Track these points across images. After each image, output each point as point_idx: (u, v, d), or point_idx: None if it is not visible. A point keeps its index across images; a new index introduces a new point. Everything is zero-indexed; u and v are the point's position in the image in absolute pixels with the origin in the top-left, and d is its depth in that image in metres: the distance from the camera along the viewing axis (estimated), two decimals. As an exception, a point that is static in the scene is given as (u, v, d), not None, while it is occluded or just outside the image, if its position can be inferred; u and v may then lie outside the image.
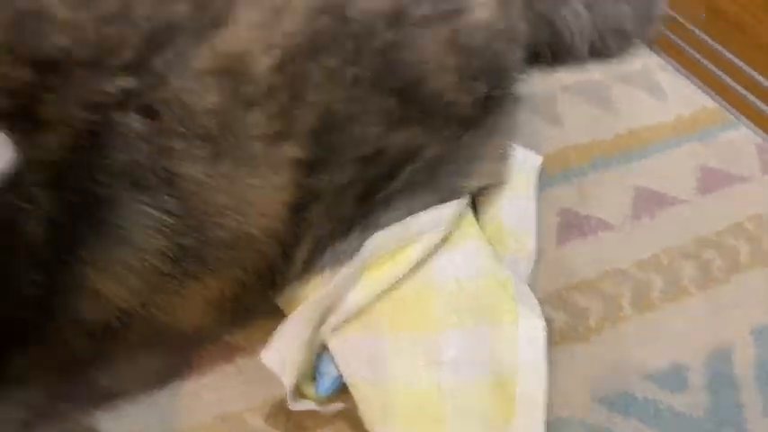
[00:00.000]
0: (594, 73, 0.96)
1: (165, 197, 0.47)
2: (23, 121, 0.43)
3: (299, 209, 0.52)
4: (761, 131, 0.89)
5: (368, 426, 0.54)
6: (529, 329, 0.54)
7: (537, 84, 0.90)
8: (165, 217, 0.47)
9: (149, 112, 0.46)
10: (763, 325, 0.68)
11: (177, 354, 0.59)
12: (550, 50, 0.93)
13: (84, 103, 0.45)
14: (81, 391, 0.57)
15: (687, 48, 0.99)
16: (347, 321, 0.55)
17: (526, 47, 0.76)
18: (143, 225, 0.47)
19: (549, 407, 0.55)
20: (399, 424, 0.53)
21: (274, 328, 0.55)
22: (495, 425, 0.52)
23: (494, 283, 0.57)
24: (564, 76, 0.94)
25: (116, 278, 0.47)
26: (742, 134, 0.89)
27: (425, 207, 0.57)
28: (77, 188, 0.45)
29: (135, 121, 0.46)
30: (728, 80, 0.95)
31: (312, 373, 0.55)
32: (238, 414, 0.57)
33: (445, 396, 0.53)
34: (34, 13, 0.45)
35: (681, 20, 1.01)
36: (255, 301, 0.57)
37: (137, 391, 0.57)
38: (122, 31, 0.46)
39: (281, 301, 0.60)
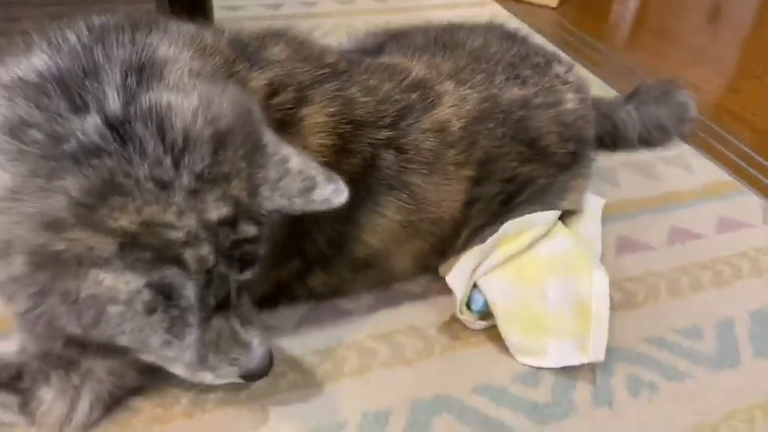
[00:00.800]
0: (643, 155, 1.36)
1: (403, 194, 0.88)
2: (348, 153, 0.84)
3: (468, 206, 0.93)
4: (763, 196, 1.27)
5: (501, 331, 0.91)
6: (598, 278, 0.92)
7: (602, 160, 1.31)
8: (402, 204, 0.88)
9: (399, 150, 0.87)
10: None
11: (388, 288, 0.99)
12: (611, 139, 1.34)
13: (369, 143, 0.86)
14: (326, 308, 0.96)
15: (710, 140, 1.40)
16: (489, 272, 0.94)
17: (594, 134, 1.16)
18: (392, 207, 0.87)
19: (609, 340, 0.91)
20: (520, 330, 0.90)
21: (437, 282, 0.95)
22: (579, 332, 0.89)
23: (576, 254, 0.95)
24: (621, 156, 1.35)
25: (375, 234, 0.88)
26: (749, 198, 1.26)
27: (535, 212, 0.97)
28: (362, 186, 0.85)
29: (391, 155, 0.87)
30: (739, 161, 1.34)
31: (468, 300, 0.94)
32: (421, 327, 0.95)
33: (548, 315, 0.91)
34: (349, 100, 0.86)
35: (706, 121, 1.43)
36: (435, 261, 0.97)
37: (360, 310, 0.97)
38: (387, 108, 0.88)
39: (442, 269, 0.99)
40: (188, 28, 0.75)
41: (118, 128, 0.57)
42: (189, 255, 0.58)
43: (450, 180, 0.90)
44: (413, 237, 0.91)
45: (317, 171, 0.66)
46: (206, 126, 0.60)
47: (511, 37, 1.09)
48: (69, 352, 0.72)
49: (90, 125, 0.57)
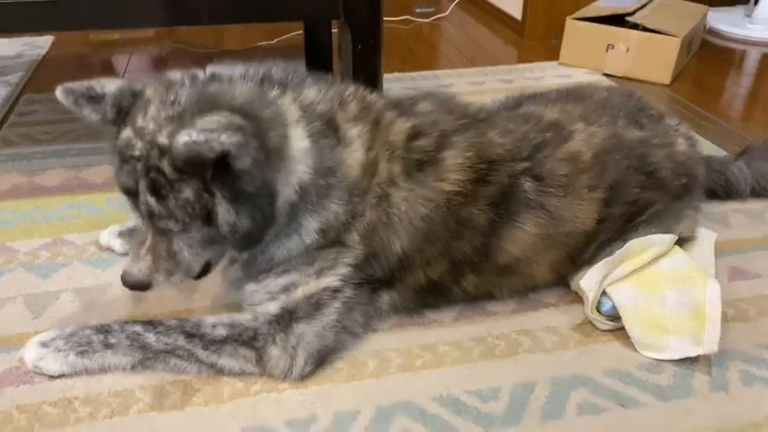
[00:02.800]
0: (753, 204, 1.51)
1: (541, 213, 1.10)
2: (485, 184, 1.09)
3: (598, 223, 1.14)
4: None
5: (628, 330, 1.09)
6: (711, 287, 1.09)
7: (715, 207, 1.48)
8: (540, 220, 1.10)
9: (536, 177, 1.11)
10: None
11: (528, 296, 1.20)
12: (723, 191, 1.51)
13: (506, 174, 1.10)
14: (477, 309, 1.18)
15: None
16: (616, 282, 1.13)
17: (706, 189, 1.35)
18: (530, 223, 1.10)
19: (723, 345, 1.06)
20: (644, 329, 1.08)
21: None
22: (694, 330, 1.06)
23: (691, 269, 1.13)
24: (732, 204, 1.51)
25: (516, 244, 1.11)
26: None
27: (654, 233, 1.16)
28: (502, 207, 1.09)
29: (528, 181, 1.11)
30: None
31: (597, 304, 1.13)
32: (557, 327, 1.15)
33: (668, 317, 1.08)
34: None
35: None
36: (567, 269, 1.17)
37: (506, 312, 1.18)
38: (524, 144, 1.13)
39: (572, 284, 1.19)
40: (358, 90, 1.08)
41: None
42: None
43: (584, 201, 1.12)
44: (549, 247, 1.12)
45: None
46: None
47: (630, 94, 1.32)
48: (284, 318, 0.99)
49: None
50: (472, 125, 1.11)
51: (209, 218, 0.90)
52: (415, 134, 1.07)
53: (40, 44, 2.60)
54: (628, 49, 2.28)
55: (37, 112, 1.99)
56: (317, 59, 2.27)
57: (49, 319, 1.15)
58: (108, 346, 1.02)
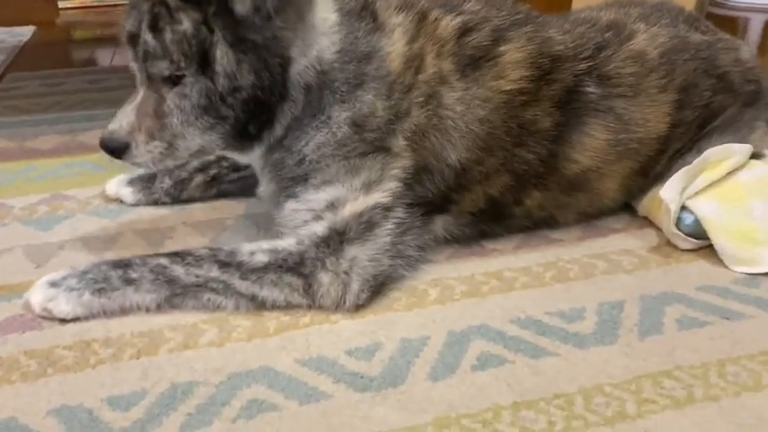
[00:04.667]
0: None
1: (609, 116, 0.99)
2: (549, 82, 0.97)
3: (671, 128, 1.02)
4: None
5: (715, 245, 0.97)
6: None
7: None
8: (608, 125, 0.99)
9: (601, 77, 1.00)
10: None
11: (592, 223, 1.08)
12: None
13: (570, 73, 0.99)
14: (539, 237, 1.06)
15: None
16: (696, 194, 1.01)
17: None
18: (598, 128, 0.98)
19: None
20: (734, 242, 0.96)
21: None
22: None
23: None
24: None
25: (585, 152, 0.99)
26: None
27: (729, 142, 1.05)
28: (567, 110, 0.97)
29: (593, 82, 0.99)
30: None
31: (676, 222, 1.01)
32: (632, 249, 1.03)
33: (758, 229, 0.97)
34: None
35: None
36: (638, 184, 1.05)
37: (571, 239, 1.05)
38: (584, 43, 1.01)
39: (640, 208, 1.08)
40: None
41: None
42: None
43: (654, 102, 1.01)
44: (621, 156, 1.01)
45: None
46: None
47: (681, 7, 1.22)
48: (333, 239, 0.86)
49: None
50: (528, 21, 1.00)
51: (205, 63, 0.82)
52: (466, 29, 0.95)
53: (20, 33, 2.46)
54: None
55: (23, 88, 1.84)
56: None
57: (54, 269, 1.00)
58: (129, 281, 0.87)
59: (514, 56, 0.94)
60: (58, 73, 1.96)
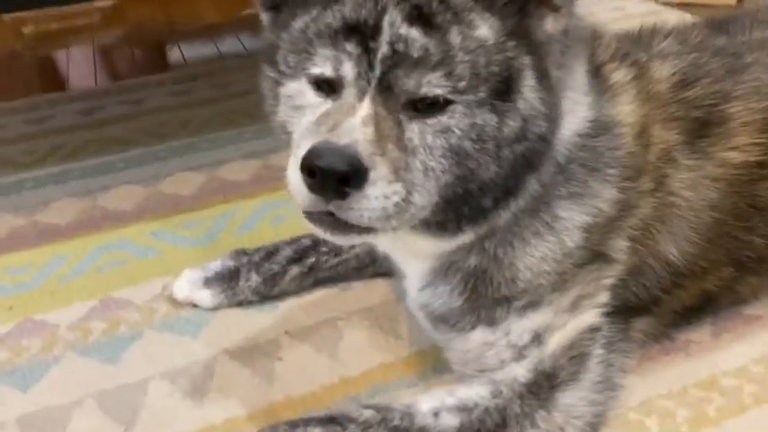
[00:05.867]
0: None
1: None
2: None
3: None
4: None
5: None
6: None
7: None
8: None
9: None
10: None
11: None
12: None
13: None
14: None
15: None
16: None
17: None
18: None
19: None
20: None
21: None
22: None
23: None
24: None
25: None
26: None
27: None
28: None
29: None
30: None
31: None
32: None
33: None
34: None
35: None
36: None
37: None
38: None
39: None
40: None
41: None
42: None
43: None
44: None
45: None
46: None
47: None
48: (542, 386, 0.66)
49: None
50: (742, 65, 0.78)
51: (504, 92, 0.58)
52: (683, 81, 0.73)
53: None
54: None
55: (2, 128, 1.53)
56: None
57: (147, 428, 0.78)
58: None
59: (743, 119, 0.74)
60: (40, 103, 1.64)
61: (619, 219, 0.69)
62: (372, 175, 0.55)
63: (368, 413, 0.68)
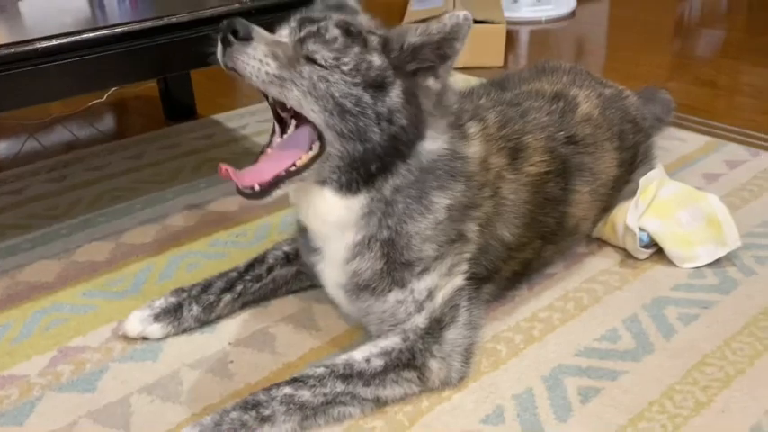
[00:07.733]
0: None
1: (584, 172, 1.25)
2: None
3: (617, 168, 1.30)
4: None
5: (666, 251, 1.29)
6: (711, 197, 1.33)
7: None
8: (585, 178, 1.23)
9: (572, 142, 1.26)
10: None
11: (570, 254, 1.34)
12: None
13: (560, 144, 1.24)
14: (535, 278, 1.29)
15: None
16: (642, 216, 1.32)
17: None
18: (580, 181, 1.22)
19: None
20: (677, 247, 1.29)
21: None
22: (715, 236, 1.29)
23: (686, 190, 1.37)
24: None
25: (579, 206, 1.23)
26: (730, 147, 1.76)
27: (646, 171, 1.38)
28: (564, 174, 1.22)
29: (569, 147, 1.25)
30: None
31: (635, 237, 1.31)
32: (608, 268, 1.31)
33: (690, 233, 1.30)
34: None
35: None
36: (599, 217, 1.33)
37: (560, 270, 1.30)
38: (553, 117, 1.27)
39: (594, 231, 1.36)
40: None
41: None
42: None
43: (606, 152, 1.28)
44: (595, 201, 1.27)
45: None
46: None
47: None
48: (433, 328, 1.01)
49: None
50: (524, 110, 1.21)
51: (376, 88, 0.94)
52: (501, 125, 1.15)
53: None
54: (462, 42, 2.53)
55: None
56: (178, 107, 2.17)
57: (145, 428, 0.99)
58: (264, 419, 0.93)
59: (535, 144, 1.17)
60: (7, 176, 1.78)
61: (470, 209, 1.05)
62: (254, 43, 0.88)
63: (318, 369, 0.98)
